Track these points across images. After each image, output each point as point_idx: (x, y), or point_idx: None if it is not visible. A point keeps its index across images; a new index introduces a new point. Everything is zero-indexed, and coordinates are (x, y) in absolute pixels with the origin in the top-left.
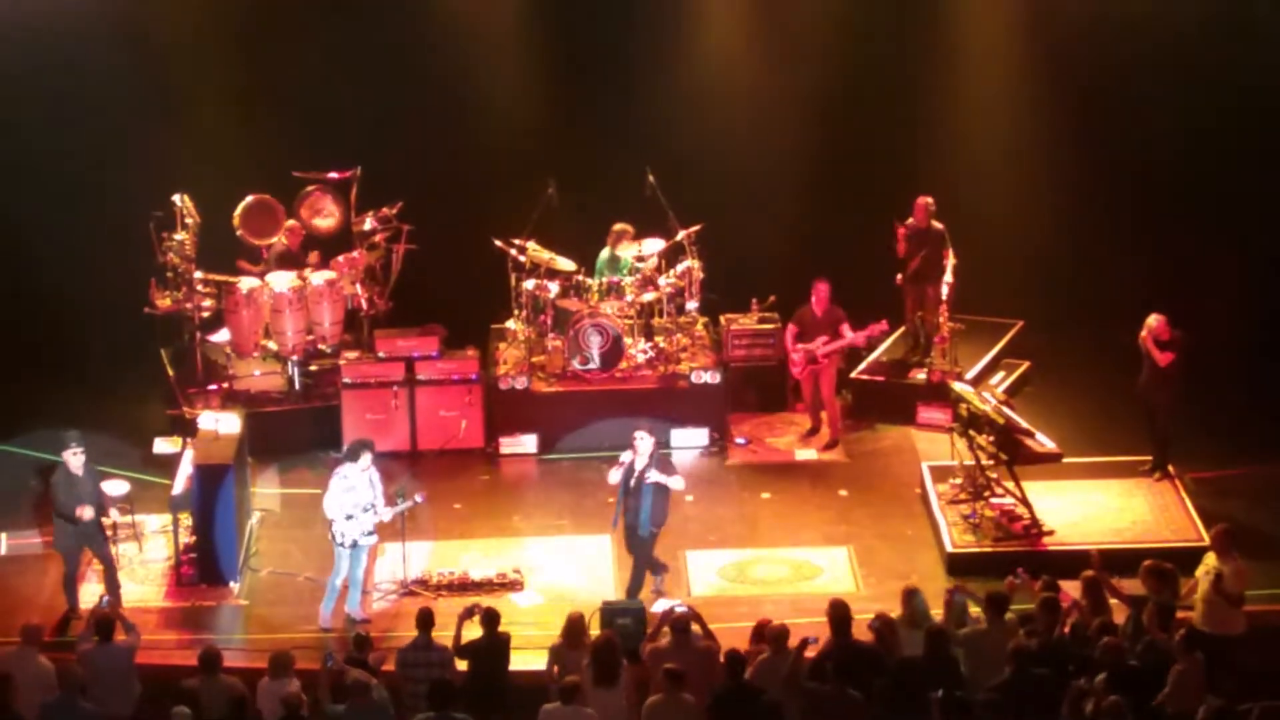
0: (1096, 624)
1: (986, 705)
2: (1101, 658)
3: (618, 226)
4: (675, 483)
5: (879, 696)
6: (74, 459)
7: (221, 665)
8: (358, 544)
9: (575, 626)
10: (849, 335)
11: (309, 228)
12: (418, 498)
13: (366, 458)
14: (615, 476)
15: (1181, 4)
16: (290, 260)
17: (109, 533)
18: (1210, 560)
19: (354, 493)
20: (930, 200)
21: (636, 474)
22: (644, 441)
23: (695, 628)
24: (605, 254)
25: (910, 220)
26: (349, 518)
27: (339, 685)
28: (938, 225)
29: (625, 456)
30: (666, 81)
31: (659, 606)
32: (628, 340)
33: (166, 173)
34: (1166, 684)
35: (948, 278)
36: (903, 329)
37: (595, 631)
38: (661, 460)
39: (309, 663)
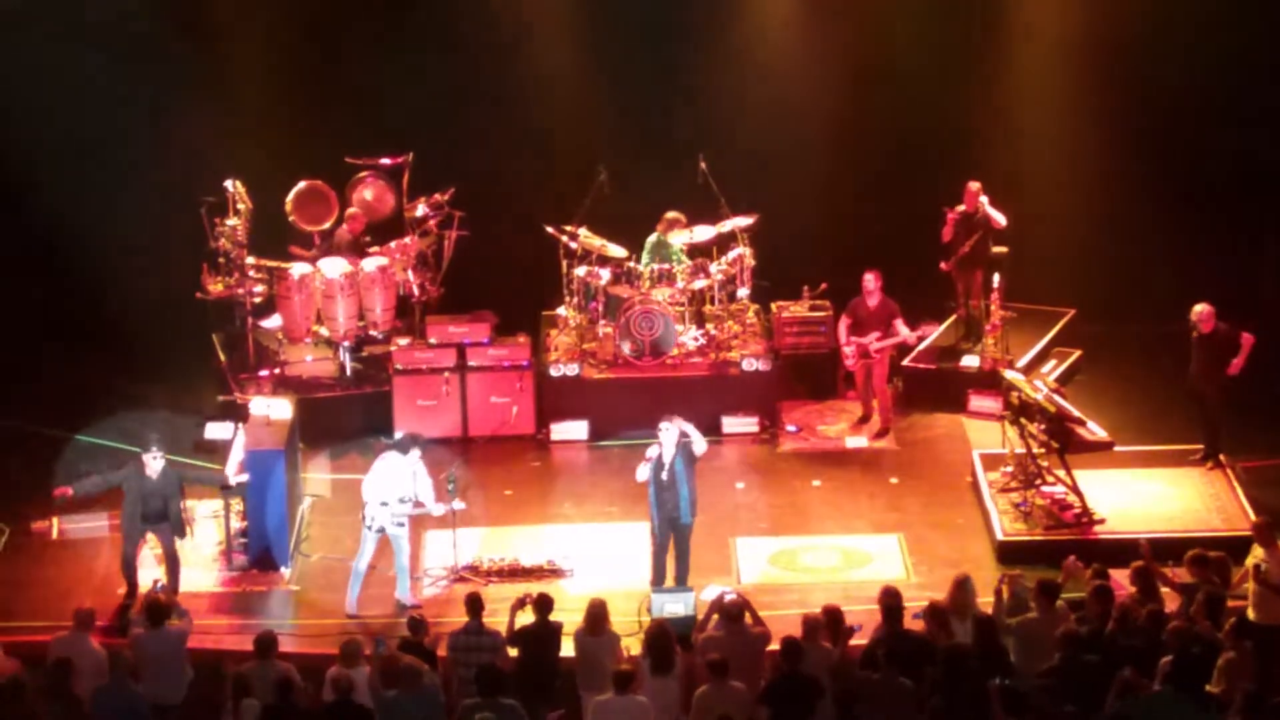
0: (1146, 612)
1: (1044, 691)
2: (1169, 641)
3: (670, 214)
4: (699, 445)
5: (930, 685)
6: (153, 462)
7: (277, 650)
8: (385, 530)
9: (596, 613)
10: (902, 332)
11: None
12: (458, 504)
13: (415, 453)
14: (644, 473)
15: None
16: (355, 248)
17: (184, 523)
18: (1258, 551)
19: (392, 480)
20: (979, 185)
21: (666, 466)
22: (668, 432)
23: (746, 615)
24: (653, 238)
25: (960, 206)
26: (383, 504)
27: (390, 670)
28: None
29: (652, 451)
30: (718, 69)
31: (708, 593)
32: (678, 328)
33: (219, 158)
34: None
35: (998, 217)
36: (954, 316)
37: (645, 618)
38: (683, 446)
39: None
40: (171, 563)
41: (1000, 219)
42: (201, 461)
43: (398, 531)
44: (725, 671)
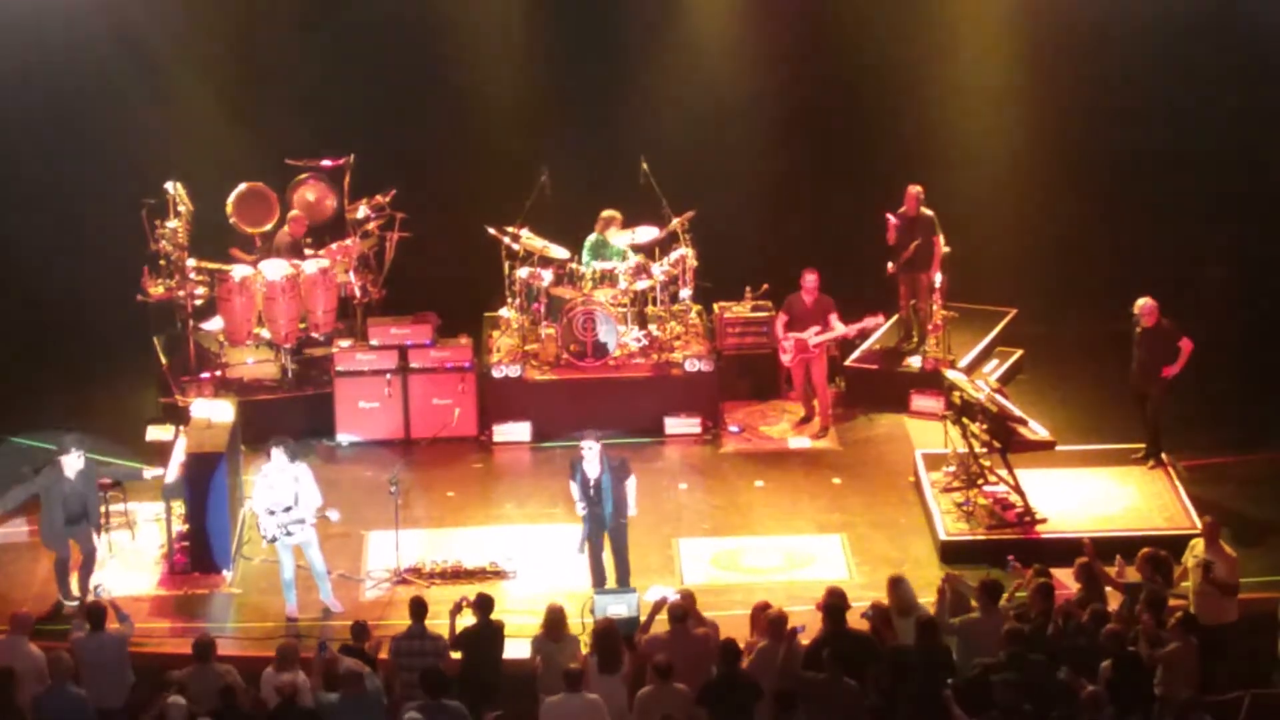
0: (1088, 612)
1: (1003, 686)
2: (1106, 645)
3: (606, 213)
4: (630, 488)
5: (874, 685)
6: (73, 463)
7: (215, 654)
8: (276, 539)
9: (555, 618)
10: (839, 328)
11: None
12: (330, 514)
13: (279, 457)
14: (576, 493)
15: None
16: (295, 250)
17: (100, 524)
18: (1199, 549)
19: (273, 490)
20: (920, 189)
21: (593, 482)
22: (591, 450)
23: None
24: (592, 238)
25: (901, 210)
26: (270, 513)
27: (332, 674)
28: (927, 212)
29: (579, 468)
30: (659, 69)
31: (651, 595)
32: (620, 329)
33: (159, 160)
34: (1158, 670)
35: (937, 276)
36: (896, 317)
37: (588, 620)
38: (617, 463)
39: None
40: (88, 561)
41: (942, 248)
42: (119, 459)
43: (292, 540)
44: (670, 674)
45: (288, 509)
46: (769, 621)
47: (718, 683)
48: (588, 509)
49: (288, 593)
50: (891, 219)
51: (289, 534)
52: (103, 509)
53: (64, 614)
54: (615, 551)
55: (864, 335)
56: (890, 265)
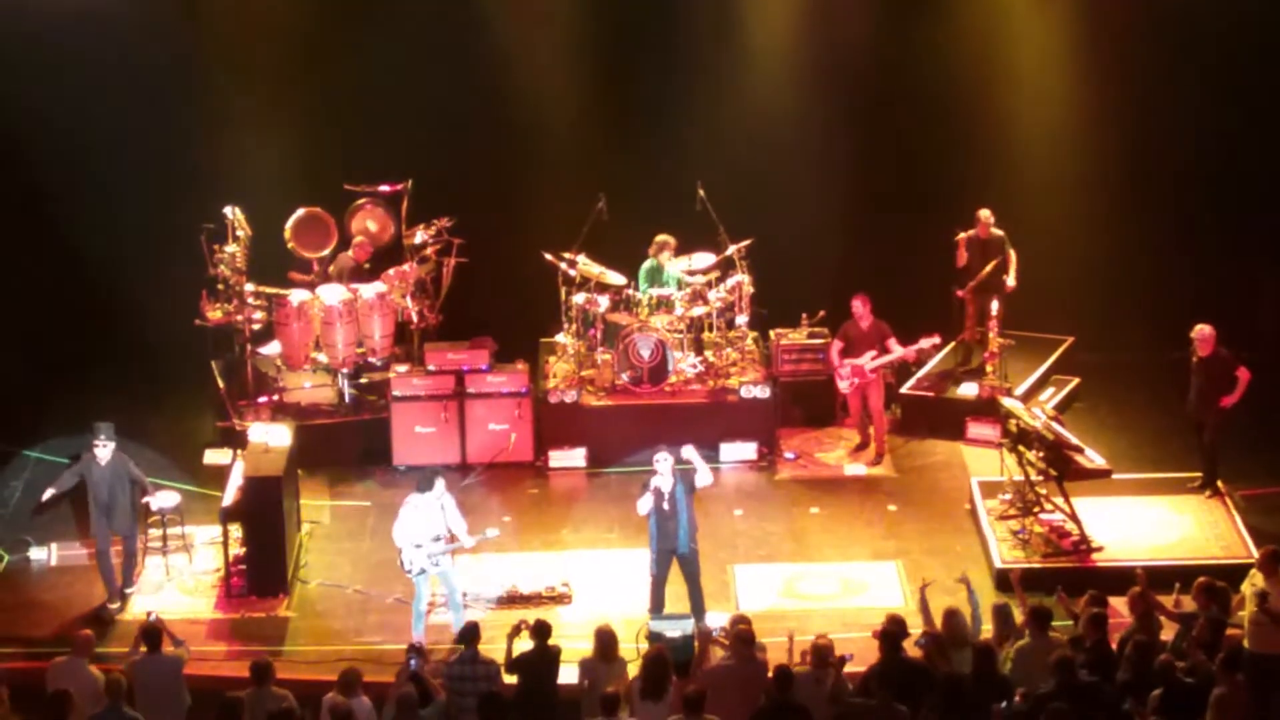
0: (1132, 641)
1: (1054, 714)
2: (1157, 675)
3: (660, 238)
4: (703, 477)
5: (928, 713)
6: (101, 450)
7: (273, 676)
8: (425, 571)
9: (606, 640)
10: (897, 350)
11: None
12: (489, 532)
13: (439, 487)
14: (645, 506)
15: (1235, 22)
16: (358, 274)
17: (144, 530)
18: (1257, 579)
19: (425, 521)
20: (989, 212)
21: (667, 495)
22: (664, 463)
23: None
24: (648, 264)
25: (971, 232)
26: (417, 546)
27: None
28: (998, 232)
29: (658, 481)
30: (717, 96)
31: (711, 622)
32: (676, 354)
33: (218, 185)
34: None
35: (994, 304)
36: (954, 343)
37: (644, 645)
38: (683, 474)
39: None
40: (129, 560)
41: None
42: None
43: (438, 571)
44: (700, 706)
45: (437, 538)
46: (815, 649)
47: (768, 709)
48: (659, 524)
49: (419, 623)
50: (961, 237)
51: (437, 565)
52: (159, 532)
53: (103, 617)
54: (689, 580)
55: (922, 357)
56: (959, 290)
